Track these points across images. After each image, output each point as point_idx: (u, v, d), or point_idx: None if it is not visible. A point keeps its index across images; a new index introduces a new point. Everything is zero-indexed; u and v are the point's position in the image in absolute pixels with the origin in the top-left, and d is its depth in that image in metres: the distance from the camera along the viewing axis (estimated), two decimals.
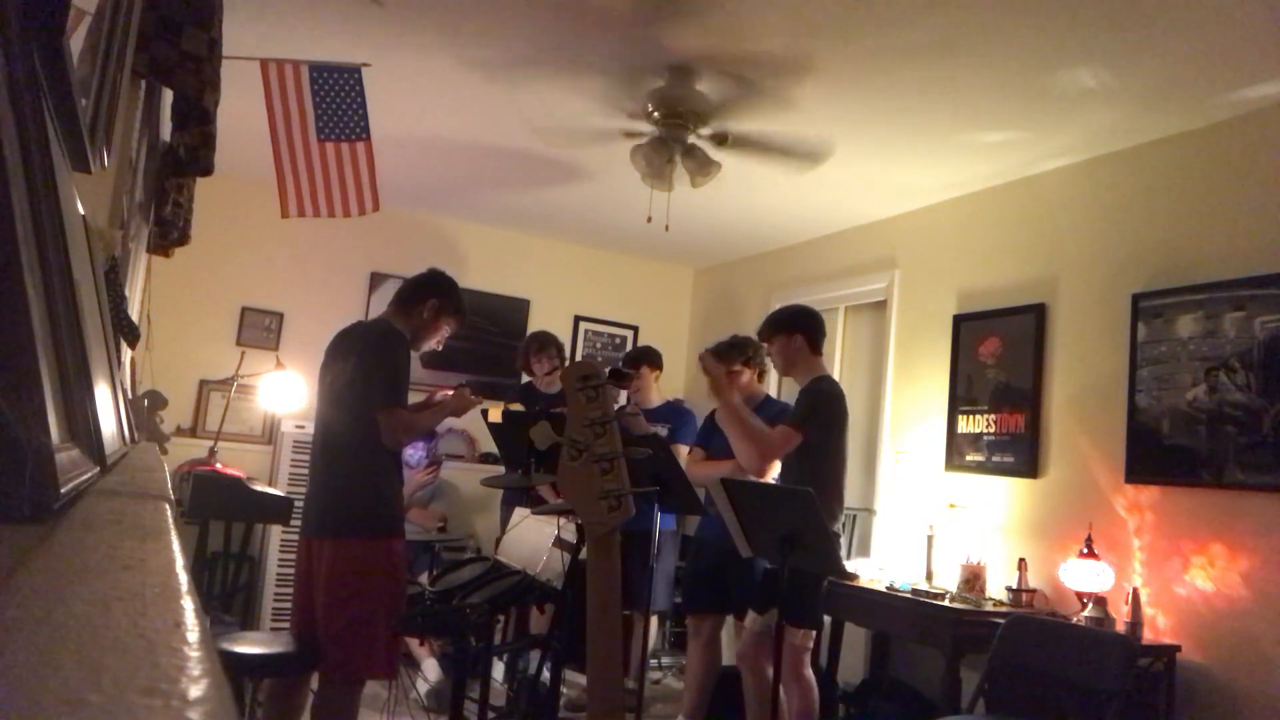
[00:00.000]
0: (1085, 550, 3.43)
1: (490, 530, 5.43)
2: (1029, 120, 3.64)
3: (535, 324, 6.00)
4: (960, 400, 4.33)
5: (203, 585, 4.59)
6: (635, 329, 6.65)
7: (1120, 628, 3.29)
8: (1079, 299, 3.88)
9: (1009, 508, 4.01)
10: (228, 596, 4.93)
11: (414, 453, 5.25)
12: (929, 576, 4.04)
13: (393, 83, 3.80)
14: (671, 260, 6.73)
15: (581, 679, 4.07)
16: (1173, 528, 3.37)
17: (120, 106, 1.60)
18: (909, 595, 3.74)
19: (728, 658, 3.95)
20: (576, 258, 6.49)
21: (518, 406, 4.51)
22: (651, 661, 5.23)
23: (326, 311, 5.37)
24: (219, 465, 4.46)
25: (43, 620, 0.33)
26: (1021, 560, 3.74)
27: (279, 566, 5.11)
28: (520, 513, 3.47)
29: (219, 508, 4.18)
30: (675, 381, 6.44)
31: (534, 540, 3.19)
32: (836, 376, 5.21)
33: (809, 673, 3.44)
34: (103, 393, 1.01)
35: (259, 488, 4.20)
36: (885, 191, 4.66)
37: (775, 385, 5.11)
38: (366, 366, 2.94)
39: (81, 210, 1.21)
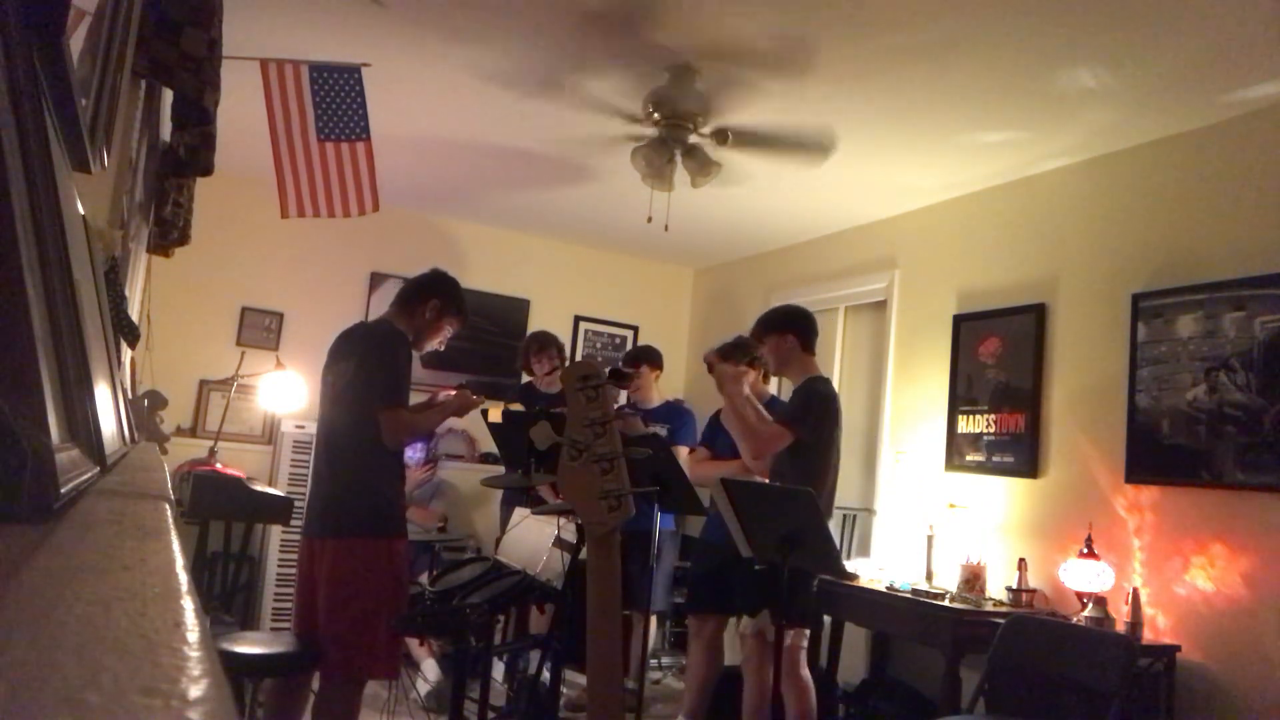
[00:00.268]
0: (1085, 550, 3.43)
1: (490, 530, 5.43)
2: (1029, 120, 3.64)
3: (535, 324, 6.00)
4: (960, 400, 4.33)
5: (203, 585, 4.59)
6: (635, 329, 6.65)
7: (1120, 628, 3.29)
8: (1079, 299, 3.88)
9: (1009, 508, 4.01)
10: (228, 596, 4.93)
11: (412, 452, 5.26)
12: (929, 576, 4.04)
13: (393, 83, 3.80)
14: (671, 260, 6.73)
15: (581, 679, 4.07)
16: (1173, 528, 3.37)
17: (120, 106, 1.60)
18: (909, 595, 3.74)
19: (730, 658, 3.95)
20: (576, 258, 6.49)
21: (518, 406, 4.51)
22: (651, 661, 5.23)
23: (326, 311, 5.38)
24: (219, 465, 4.46)
25: (43, 620, 0.33)
26: (1021, 560, 3.74)
27: (279, 566, 5.11)
28: (520, 513, 3.47)
29: (219, 508, 4.19)
30: (675, 382, 6.45)
31: (534, 540, 3.19)
32: (836, 376, 5.23)
33: (805, 673, 3.44)
34: (103, 393, 1.01)
35: (259, 488, 4.21)
36: (885, 191, 4.66)
37: (775, 385, 5.11)
38: (368, 367, 2.95)
39: (81, 210, 1.21)
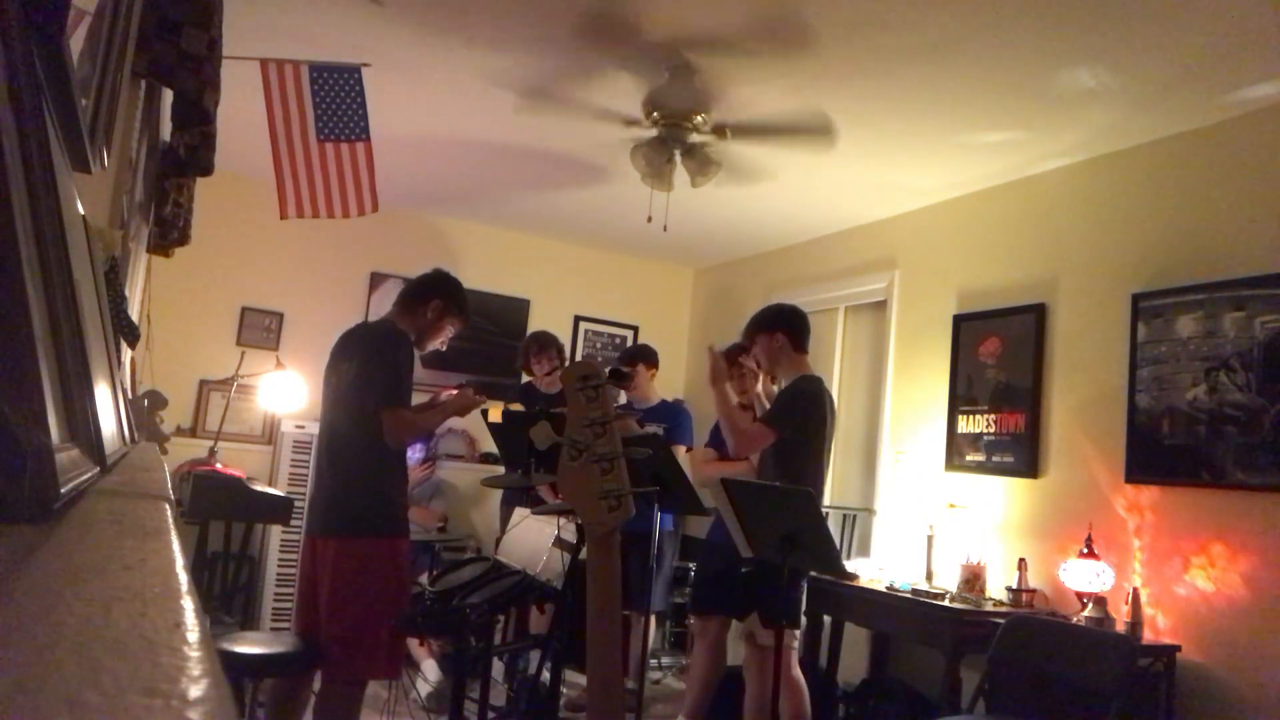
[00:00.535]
0: (1085, 550, 3.43)
1: (490, 530, 5.43)
2: (1029, 120, 3.63)
3: (535, 324, 6.00)
4: (960, 400, 4.33)
5: (203, 585, 4.59)
6: (635, 329, 6.65)
7: (1120, 628, 3.29)
8: (1079, 299, 3.88)
9: (1009, 508, 4.01)
10: (228, 596, 4.93)
11: (411, 452, 5.25)
12: (929, 576, 4.04)
13: (393, 83, 3.80)
14: (671, 260, 6.73)
15: (581, 679, 4.07)
16: (1173, 528, 3.37)
17: (120, 106, 1.60)
18: (909, 595, 3.74)
19: (732, 659, 3.95)
20: (576, 258, 6.49)
21: (518, 406, 4.51)
22: (651, 661, 5.23)
23: (326, 311, 5.38)
24: (219, 465, 4.46)
25: (42, 620, 0.33)
26: (1021, 560, 3.74)
27: (279, 566, 5.11)
28: (520, 513, 3.47)
29: (219, 508, 4.19)
30: (675, 382, 6.45)
31: (534, 540, 3.19)
32: (836, 377, 5.23)
33: (797, 673, 3.44)
34: (103, 393, 1.01)
35: (259, 488, 4.21)
36: (885, 191, 4.66)
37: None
38: (369, 367, 2.95)
39: (81, 210, 1.21)
